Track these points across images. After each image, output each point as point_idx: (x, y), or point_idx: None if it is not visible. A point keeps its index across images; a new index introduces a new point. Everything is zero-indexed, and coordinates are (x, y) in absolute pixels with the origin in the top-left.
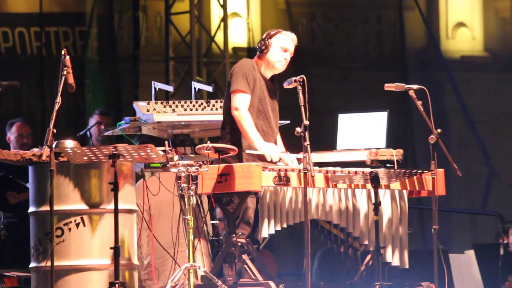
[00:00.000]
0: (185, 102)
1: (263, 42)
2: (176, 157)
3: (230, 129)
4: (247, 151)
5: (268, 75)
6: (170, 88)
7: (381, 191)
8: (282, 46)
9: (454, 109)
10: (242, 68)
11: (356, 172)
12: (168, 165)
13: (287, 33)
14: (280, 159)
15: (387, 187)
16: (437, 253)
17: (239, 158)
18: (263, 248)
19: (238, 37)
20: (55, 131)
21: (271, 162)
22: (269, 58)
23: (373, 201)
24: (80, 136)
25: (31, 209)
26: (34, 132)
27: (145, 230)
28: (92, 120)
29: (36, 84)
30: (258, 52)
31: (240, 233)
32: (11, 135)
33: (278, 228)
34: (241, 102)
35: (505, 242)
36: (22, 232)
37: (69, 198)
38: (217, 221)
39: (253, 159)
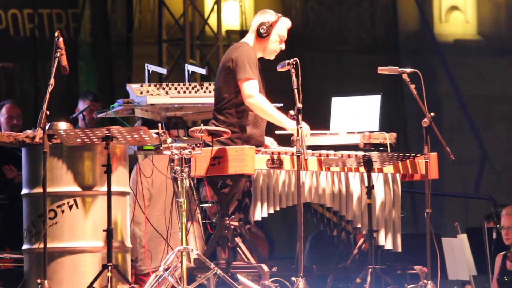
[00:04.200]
0: (179, 85)
1: (265, 28)
2: (169, 140)
3: (225, 113)
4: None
5: (259, 56)
6: (163, 71)
7: (374, 175)
8: (281, 35)
9: (447, 93)
10: (248, 56)
11: (349, 156)
12: (161, 148)
13: (285, 20)
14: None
15: (380, 170)
16: (429, 236)
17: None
18: (257, 228)
19: (231, 20)
20: (48, 113)
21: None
22: (266, 45)
23: (366, 184)
24: (73, 119)
25: (24, 191)
26: (27, 114)
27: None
28: (83, 103)
29: (29, 66)
30: (256, 34)
31: (232, 216)
32: (1, 117)
33: (271, 211)
34: (254, 89)
35: (497, 226)
36: (14, 213)
37: (62, 180)
38: (210, 204)
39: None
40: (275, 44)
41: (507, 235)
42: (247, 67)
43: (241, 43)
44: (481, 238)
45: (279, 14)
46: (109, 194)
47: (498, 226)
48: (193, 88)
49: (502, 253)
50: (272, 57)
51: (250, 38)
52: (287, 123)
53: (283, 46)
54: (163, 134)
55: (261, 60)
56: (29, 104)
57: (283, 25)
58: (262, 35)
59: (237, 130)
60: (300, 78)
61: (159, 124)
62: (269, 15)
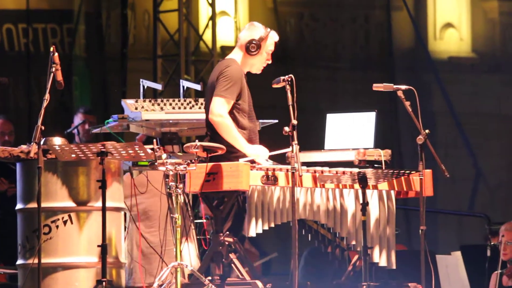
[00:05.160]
0: (173, 100)
1: (255, 46)
2: (164, 155)
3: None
4: (241, 160)
5: (246, 71)
6: (158, 86)
7: (368, 191)
8: (268, 51)
9: (442, 110)
10: (233, 76)
11: (344, 172)
12: (156, 163)
13: (273, 35)
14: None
15: (375, 187)
16: (424, 253)
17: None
18: (250, 245)
19: (226, 36)
20: (43, 128)
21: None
22: (255, 62)
23: (361, 201)
24: (68, 134)
25: (19, 206)
26: (21, 128)
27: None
28: (77, 118)
29: (23, 81)
30: (245, 51)
31: (227, 232)
32: None
33: (266, 227)
34: (225, 109)
35: (493, 243)
36: (7, 228)
37: (56, 196)
38: (205, 220)
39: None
40: (262, 62)
41: (505, 250)
42: (228, 87)
43: (230, 61)
44: (475, 255)
45: (268, 29)
46: (103, 209)
47: (493, 243)
48: (188, 104)
49: (498, 271)
50: (259, 72)
51: (238, 54)
52: (248, 150)
53: (269, 61)
54: (158, 149)
55: (256, 76)
56: (23, 118)
57: (272, 40)
58: (251, 53)
59: (233, 149)
60: (295, 95)
61: (154, 140)
62: (258, 30)
